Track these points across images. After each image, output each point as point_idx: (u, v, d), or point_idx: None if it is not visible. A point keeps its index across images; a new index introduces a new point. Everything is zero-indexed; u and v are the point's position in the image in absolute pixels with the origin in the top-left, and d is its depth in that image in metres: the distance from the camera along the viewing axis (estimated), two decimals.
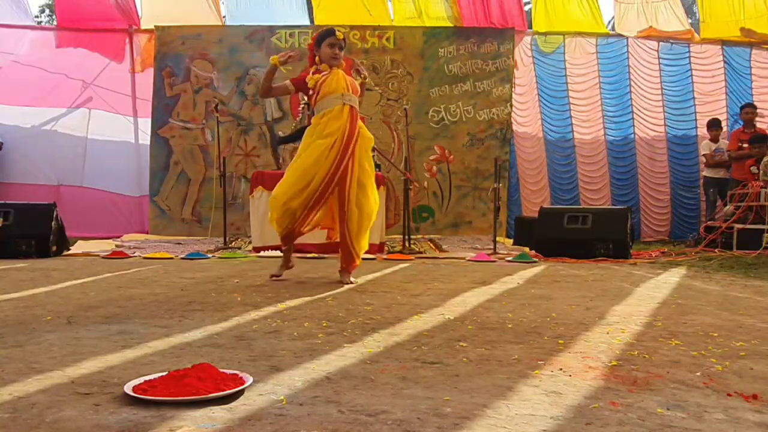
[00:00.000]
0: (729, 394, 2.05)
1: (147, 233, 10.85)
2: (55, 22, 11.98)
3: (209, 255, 7.47)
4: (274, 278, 5.10)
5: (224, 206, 8.75)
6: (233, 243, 8.71)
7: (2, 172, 10.80)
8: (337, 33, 4.93)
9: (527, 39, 11.40)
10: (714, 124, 10.22)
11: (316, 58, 4.97)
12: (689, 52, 11.28)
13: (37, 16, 26.72)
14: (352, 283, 4.91)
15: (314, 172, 4.76)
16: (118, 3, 11.16)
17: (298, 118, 10.14)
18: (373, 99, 11.11)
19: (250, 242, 8.20)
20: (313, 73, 4.93)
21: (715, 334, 3.00)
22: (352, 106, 4.91)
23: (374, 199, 5.05)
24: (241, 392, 1.99)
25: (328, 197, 4.91)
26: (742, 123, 10.20)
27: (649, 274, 5.80)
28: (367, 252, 7.43)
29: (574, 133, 11.40)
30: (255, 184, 7.44)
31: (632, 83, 11.35)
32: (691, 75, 11.28)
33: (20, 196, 9.60)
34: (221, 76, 11.21)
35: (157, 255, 7.39)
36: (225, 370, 2.12)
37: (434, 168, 11.20)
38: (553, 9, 11.28)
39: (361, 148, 4.95)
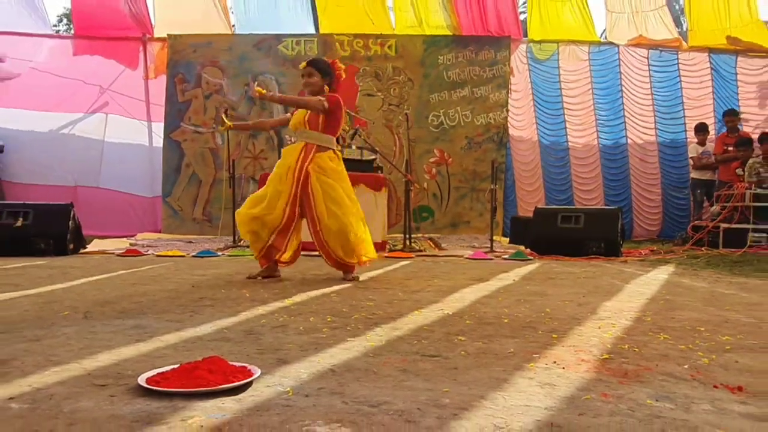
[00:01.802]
0: (715, 386, 2.05)
1: (160, 232, 10.89)
2: (72, 31, 12.00)
3: (219, 253, 7.47)
4: (249, 278, 4.95)
5: (233, 206, 8.71)
6: (242, 241, 8.70)
7: (22, 174, 10.83)
8: (301, 65, 5.03)
9: (523, 47, 11.42)
10: (701, 129, 10.23)
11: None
12: (678, 59, 11.29)
13: (55, 25, 26.75)
14: (355, 278, 4.92)
15: (273, 202, 4.80)
16: (132, 12, 11.18)
17: None
18: (376, 104, 11.15)
19: None
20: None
21: (702, 329, 3.00)
22: (307, 143, 4.88)
23: (347, 219, 4.84)
24: (249, 384, 1.99)
25: (294, 228, 4.91)
26: (725, 128, 10.24)
27: (639, 271, 5.80)
28: None
29: (568, 137, 11.40)
30: (262, 185, 7.44)
31: (624, 89, 11.35)
32: (680, 81, 11.29)
33: (39, 197, 9.60)
34: (230, 82, 11.24)
35: (170, 253, 7.40)
36: (234, 363, 2.12)
37: (434, 170, 11.21)
38: (548, 18, 11.30)
39: (321, 175, 4.83)
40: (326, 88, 4.96)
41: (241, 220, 4.89)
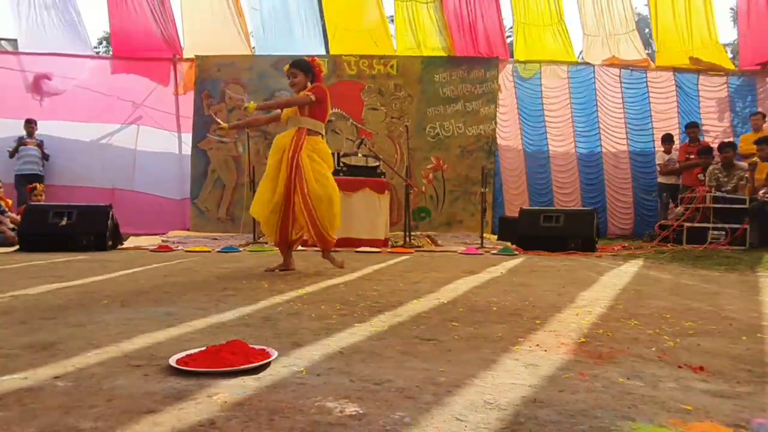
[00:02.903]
0: (680, 366, 2.04)
1: (188, 230, 10.91)
2: (110, 52, 12.03)
3: (241, 249, 7.47)
4: (267, 271, 4.90)
5: None
6: (261, 238, 8.71)
7: (67, 177, 10.88)
8: (285, 67, 4.96)
9: (509, 66, 11.42)
10: (667, 139, 10.25)
11: None
12: (646, 77, 11.29)
13: (95, 47, 26.79)
14: (341, 266, 4.83)
15: (273, 186, 4.68)
16: (163, 35, 11.22)
17: None
18: (379, 117, 11.16)
19: None
20: None
21: (668, 316, 2.99)
22: (299, 127, 4.76)
23: (334, 192, 4.79)
24: (267, 365, 1.99)
25: (292, 205, 4.71)
26: (688, 138, 10.26)
27: (612, 265, 5.79)
28: (373, 245, 7.49)
29: (549, 146, 11.41)
30: None
31: (598, 104, 11.35)
32: (648, 97, 11.28)
33: (81, 198, 9.67)
34: (251, 98, 11.20)
35: (197, 249, 7.40)
36: (254, 346, 2.12)
37: (431, 175, 11.21)
38: (532, 41, 11.34)
39: (312, 153, 4.71)
40: (309, 84, 4.90)
41: (256, 215, 4.84)
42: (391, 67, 11.25)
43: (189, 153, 11.32)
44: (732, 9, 30.61)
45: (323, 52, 11.47)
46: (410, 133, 8.93)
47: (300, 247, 6.85)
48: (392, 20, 12.13)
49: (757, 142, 8.64)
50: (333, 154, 7.87)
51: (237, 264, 5.63)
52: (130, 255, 6.62)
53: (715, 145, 9.68)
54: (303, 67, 4.91)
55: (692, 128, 10.15)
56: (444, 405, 1.62)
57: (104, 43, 29.95)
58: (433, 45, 11.41)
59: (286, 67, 4.93)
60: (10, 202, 8.82)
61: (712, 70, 11.09)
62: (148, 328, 2.58)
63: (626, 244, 8.53)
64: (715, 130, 11.09)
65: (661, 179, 10.34)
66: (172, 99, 11.44)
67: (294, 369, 1.97)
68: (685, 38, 11.04)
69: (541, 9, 11.20)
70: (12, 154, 10.42)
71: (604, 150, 11.37)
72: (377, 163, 8.27)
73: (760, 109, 10.45)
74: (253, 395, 1.69)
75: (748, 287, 4.24)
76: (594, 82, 11.33)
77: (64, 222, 7.05)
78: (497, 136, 11.22)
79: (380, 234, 7.79)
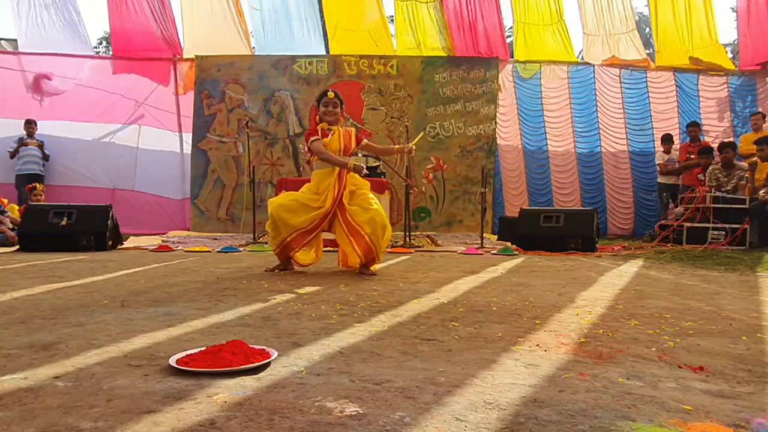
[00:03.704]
0: (680, 366, 2.04)
1: (188, 230, 10.92)
2: (111, 52, 12.02)
3: (241, 249, 7.47)
4: (267, 271, 4.95)
5: (254, 208, 8.78)
6: (261, 238, 8.72)
7: (67, 177, 10.88)
8: (329, 93, 4.90)
9: (509, 66, 11.42)
10: (666, 139, 10.25)
11: (317, 117, 4.96)
12: (646, 77, 11.28)
13: (95, 47, 26.80)
14: (375, 273, 4.79)
15: (304, 211, 4.74)
16: (163, 35, 11.22)
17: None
18: (379, 117, 11.16)
19: None
20: (322, 131, 4.87)
21: (668, 316, 2.99)
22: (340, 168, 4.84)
23: (382, 214, 4.86)
24: (267, 365, 1.99)
25: (315, 236, 4.87)
26: (689, 138, 10.26)
27: (612, 265, 5.79)
28: None
29: (549, 146, 11.40)
30: (279, 188, 7.45)
31: (598, 104, 11.34)
32: (648, 97, 11.27)
33: (82, 198, 9.67)
34: (251, 97, 11.26)
35: (197, 249, 7.40)
36: (254, 346, 2.12)
37: (431, 175, 11.21)
38: (531, 41, 11.34)
39: (351, 192, 4.87)
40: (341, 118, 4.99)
41: (272, 210, 4.80)
42: (391, 67, 11.25)
43: (189, 153, 11.31)
44: (732, 9, 30.63)
45: (323, 52, 11.48)
46: (410, 133, 8.93)
47: None
48: (392, 20, 12.13)
49: (757, 142, 8.64)
50: None
51: (237, 264, 5.62)
52: (130, 255, 6.61)
53: (715, 145, 9.68)
54: (341, 100, 4.98)
55: (693, 128, 10.15)
56: (444, 405, 1.62)
57: (104, 43, 29.97)
58: (433, 45, 11.41)
59: (332, 93, 4.91)
60: (6, 201, 8.82)
61: (712, 70, 11.09)
62: (148, 328, 2.58)
63: (626, 244, 8.53)
64: (715, 130, 11.09)
65: (661, 179, 10.34)
66: (172, 99, 11.43)
67: (294, 369, 1.97)
68: (685, 38, 11.04)
69: (541, 8, 11.20)
70: (12, 155, 10.43)
71: (603, 150, 11.36)
72: (377, 163, 8.27)
73: (760, 109, 10.44)
74: (253, 395, 1.69)
75: (748, 287, 4.24)
76: (594, 82, 11.33)
77: (64, 222, 7.05)
78: (497, 136, 11.23)
79: None
